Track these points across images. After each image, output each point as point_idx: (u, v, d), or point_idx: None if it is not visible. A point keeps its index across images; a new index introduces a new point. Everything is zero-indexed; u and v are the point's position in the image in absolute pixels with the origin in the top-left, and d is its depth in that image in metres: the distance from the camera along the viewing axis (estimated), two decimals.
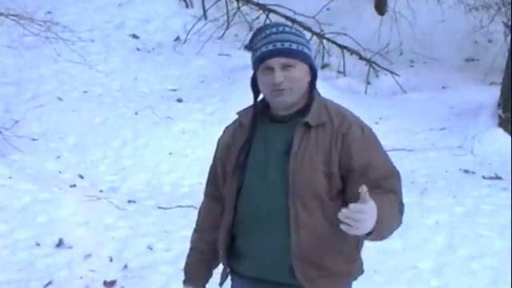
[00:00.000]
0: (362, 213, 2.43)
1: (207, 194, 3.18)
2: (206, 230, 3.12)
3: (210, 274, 3.15)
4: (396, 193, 2.81)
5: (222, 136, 3.09)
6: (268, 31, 2.88)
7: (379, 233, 2.61)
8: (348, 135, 2.80)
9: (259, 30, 2.94)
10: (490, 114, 8.45)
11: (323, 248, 2.81)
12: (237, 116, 3.06)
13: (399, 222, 2.82)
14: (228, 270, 3.04)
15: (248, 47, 3.02)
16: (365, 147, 2.81)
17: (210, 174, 3.15)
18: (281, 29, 2.89)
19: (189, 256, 3.18)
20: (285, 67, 2.80)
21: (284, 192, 2.80)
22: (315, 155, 2.79)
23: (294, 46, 2.83)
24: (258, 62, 2.85)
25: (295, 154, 2.80)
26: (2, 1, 9.43)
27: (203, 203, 3.21)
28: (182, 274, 3.20)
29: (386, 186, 2.79)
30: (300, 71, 2.84)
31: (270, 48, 2.82)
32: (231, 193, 2.93)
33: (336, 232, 2.75)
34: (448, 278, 5.26)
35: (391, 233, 2.78)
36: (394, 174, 2.89)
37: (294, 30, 2.94)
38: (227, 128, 3.09)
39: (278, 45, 2.82)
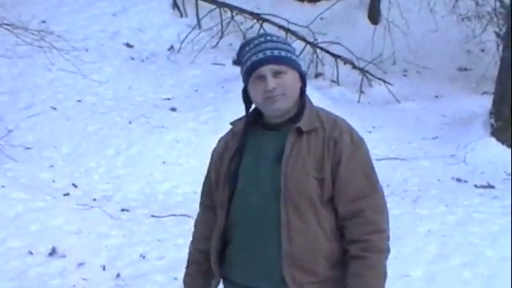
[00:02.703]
0: None
1: (202, 204, 3.16)
2: (202, 241, 3.10)
3: (209, 285, 3.12)
4: (376, 232, 2.83)
5: (215, 147, 3.10)
6: (256, 41, 2.90)
7: None
8: (339, 141, 2.82)
9: (246, 43, 2.95)
10: (482, 123, 8.50)
11: (314, 253, 2.82)
12: (230, 126, 3.06)
13: (382, 265, 2.88)
14: (219, 277, 3.04)
15: (236, 61, 3.05)
16: (352, 156, 2.82)
17: (204, 184, 3.14)
18: (268, 38, 2.92)
19: (187, 268, 3.17)
20: (276, 74, 2.81)
21: (276, 197, 2.80)
22: (307, 160, 2.80)
23: (284, 53, 2.85)
24: (250, 72, 2.86)
25: (287, 159, 2.80)
26: None
27: (199, 214, 3.19)
28: (181, 284, 3.20)
29: (365, 219, 2.82)
30: (292, 77, 2.85)
31: (261, 56, 2.83)
32: (223, 199, 2.94)
33: (327, 238, 2.81)
34: (440, 286, 5.28)
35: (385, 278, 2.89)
36: (375, 188, 2.89)
37: (281, 39, 2.98)
38: (221, 139, 3.10)
39: (268, 52, 2.83)
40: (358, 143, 2.87)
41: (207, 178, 3.11)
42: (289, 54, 2.88)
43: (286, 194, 2.79)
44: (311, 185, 2.79)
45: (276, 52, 2.84)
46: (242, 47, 2.94)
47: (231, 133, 3.04)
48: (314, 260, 2.82)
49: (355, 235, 2.80)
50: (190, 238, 3.21)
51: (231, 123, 3.06)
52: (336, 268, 2.85)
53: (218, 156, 3.05)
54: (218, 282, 3.07)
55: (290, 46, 2.96)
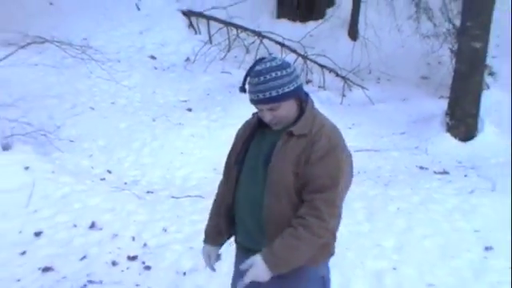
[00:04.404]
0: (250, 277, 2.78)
1: (224, 175, 3.17)
2: (221, 204, 3.14)
3: (223, 237, 3.17)
4: (316, 217, 2.74)
5: (239, 128, 3.12)
6: (255, 80, 2.80)
7: (285, 267, 2.78)
8: (317, 143, 2.78)
9: (248, 72, 2.86)
10: (439, 121, 8.52)
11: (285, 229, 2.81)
12: (237, 122, 3.15)
13: (307, 246, 2.78)
14: (229, 234, 3.12)
15: (242, 89, 2.99)
16: (323, 157, 2.76)
17: (227, 157, 3.13)
18: (262, 79, 2.79)
19: (208, 220, 3.24)
20: (271, 109, 2.82)
21: (263, 185, 2.83)
22: (289, 157, 2.80)
23: (274, 93, 2.78)
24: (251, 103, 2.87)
25: (275, 155, 2.82)
26: (47, 30, 9.50)
27: (221, 182, 3.22)
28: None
29: (312, 206, 2.75)
30: (284, 108, 2.83)
31: (256, 98, 2.81)
32: (231, 181, 3.00)
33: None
34: (406, 253, 5.29)
35: (304, 256, 2.80)
36: (334, 188, 2.78)
37: (277, 73, 2.81)
38: (245, 122, 3.11)
39: (261, 96, 2.78)
40: (332, 148, 2.79)
41: (228, 156, 3.12)
42: (281, 90, 2.79)
43: (270, 184, 2.82)
44: (289, 178, 2.79)
45: (268, 94, 2.78)
46: (245, 77, 2.87)
47: (250, 120, 3.07)
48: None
49: (300, 213, 2.77)
50: (206, 213, 3.27)
51: (253, 114, 3.07)
52: None
53: (237, 138, 3.09)
54: (229, 237, 3.16)
55: (285, 74, 2.81)
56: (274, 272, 2.75)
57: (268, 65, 2.82)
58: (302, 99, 2.90)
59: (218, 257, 3.32)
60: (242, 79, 2.90)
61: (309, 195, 2.77)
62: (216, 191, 3.24)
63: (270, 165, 2.81)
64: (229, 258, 3.22)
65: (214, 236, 3.18)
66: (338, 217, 2.85)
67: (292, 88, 2.83)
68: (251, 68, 2.87)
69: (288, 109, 2.84)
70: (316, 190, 2.75)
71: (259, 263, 2.74)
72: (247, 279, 2.78)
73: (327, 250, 2.95)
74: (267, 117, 2.84)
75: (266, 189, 2.82)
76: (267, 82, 2.79)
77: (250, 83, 2.84)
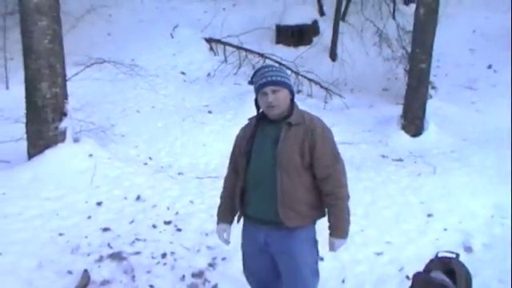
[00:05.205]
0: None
1: (229, 168, 3.20)
2: (229, 191, 3.14)
3: (232, 217, 3.16)
4: (341, 186, 2.87)
5: (238, 133, 3.15)
6: (263, 70, 2.93)
7: (348, 229, 2.91)
8: (314, 131, 2.86)
9: (257, 70, 2.98)
10: (396, 122, 8.53)
11: (297, 199, 2.86)
12: (246, 121, 3.15)
13: (347, 206, 2.92)
14: (241, 212, 3.11)
15: (250, 82, 3.11)
16: (323, 140, 2.87)
17: (231, 155, 3.17)
18: (270, 68, 2.94)
19: (219, 206, 3.22)
20: (274, 91, 2.88)
21: (274, 165, 2.85)
22: (293, 142, 2.84)
23: (279, 78, 2.88)
24: (258, 90, 2.93)
25: (281, 141, 2.86)
26: (107, 53, 9.61)
27: (227, 174, 3.21)
28: (215, 218, 3.28)
29: (333, 179, 2.85)
30: (283, 93, 2.90)
31: (264, 80, 2.89)
32: (242, 166, 2.99)
33: (306, 190, 2.88)
34: (371, 220, 5.37)
35: (350, 215, 2.93)
36: (338, 159, 2.92)
37: (278, 68, 2.97)
38: (241, 128, 3.14)
39: (269, 78, 2.88)
40: (326, 133, 2.93)
41: (232, 152, 3.17)
42: (283, 79, 2.90)
43: (280, 163, 2.85)
44: (295, 158, 2.84)
45: (274, 78, 2.89)
46: (255, 73, 2.98)
47: (248, 124, 3.09)
48: (297, 203, 2.87)
49: (329, 189, 2.86)
50: (221, 189, 3.29)
51: (248, 119, 3.13)
52: (312, 209, 2.92)
53: (239, 138, 3.11)
54: (240, 216, 3.14)
55: (284, 72, 2.96)
56: (346, 237, 2.88)
57: (272, 66, 2.99)
58: (293, 98, 2.98)
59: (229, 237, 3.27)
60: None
61: (322, 171, 2.84)
62: (223, 184, 3.21)
63: (278, 149, 2.82)
64: (240, 224, 3.29)
65: (226, 216, 3.14)
66: (346, 173, 2.94)
67: (289, 83, 2.96)
68: (259, 68, 2.99)
69: (284, 96, 2.90)
70: (326, 165, 2.85)
71: (335, 240, 2.87)
72: (337, 249, 2.91)
73: (322, 211, 3.01)
74: (269, 98, 2.85)
75: (277, 168, 2.80)
76: (274, 71, 2.91)
77: (260, 74, 2.91)
